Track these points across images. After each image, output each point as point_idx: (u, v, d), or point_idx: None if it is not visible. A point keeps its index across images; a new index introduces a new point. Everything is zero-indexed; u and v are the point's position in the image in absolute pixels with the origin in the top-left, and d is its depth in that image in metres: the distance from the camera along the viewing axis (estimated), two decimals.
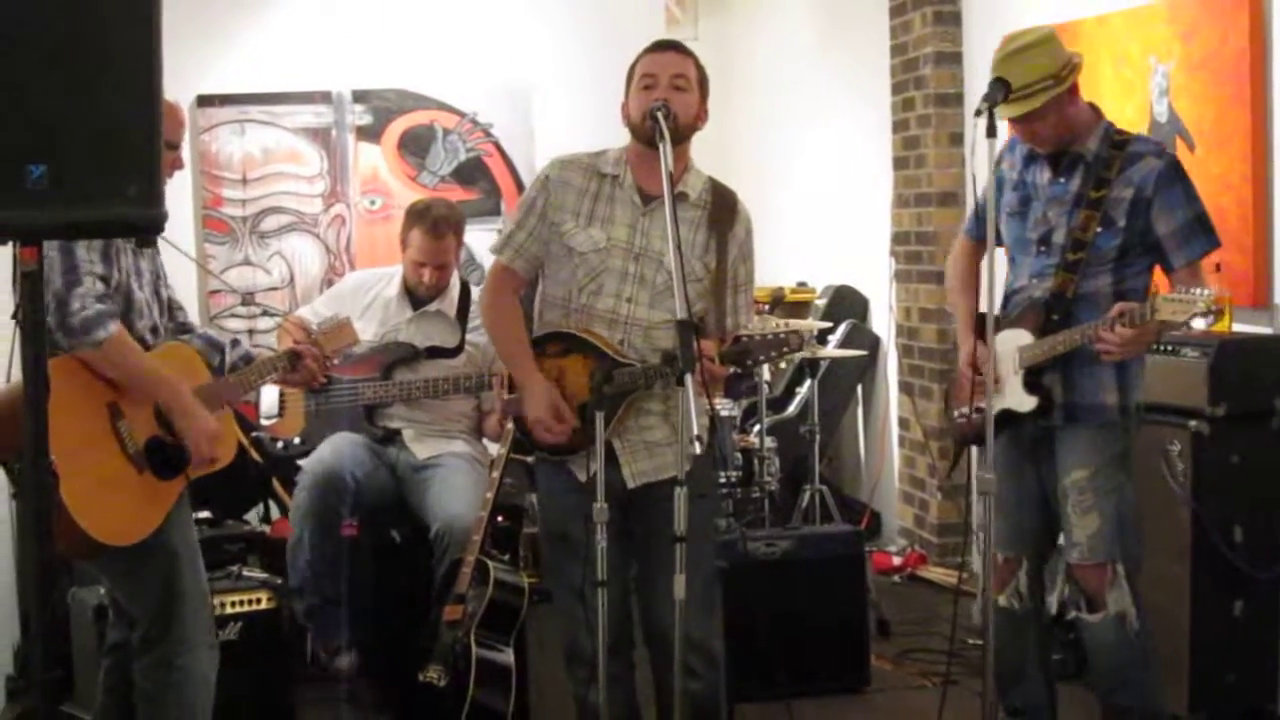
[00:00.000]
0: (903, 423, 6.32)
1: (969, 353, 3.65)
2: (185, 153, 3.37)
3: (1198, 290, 3.13)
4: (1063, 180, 3.52)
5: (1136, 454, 3.62)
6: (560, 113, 6.15)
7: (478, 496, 4.16)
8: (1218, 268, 4.08)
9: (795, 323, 4.33)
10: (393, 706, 4.21)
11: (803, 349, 3.38)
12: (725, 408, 5.20)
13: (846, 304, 6.67)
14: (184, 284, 3.64)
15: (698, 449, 2.82)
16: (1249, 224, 4.15)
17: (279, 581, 4.19)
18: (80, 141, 2.06)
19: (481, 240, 5.62)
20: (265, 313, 6.06)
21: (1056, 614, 3.70)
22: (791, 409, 6.33)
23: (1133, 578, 3.48)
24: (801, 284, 6.96)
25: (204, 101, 5.97)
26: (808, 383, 5.69)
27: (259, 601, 4.06)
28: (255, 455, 4.67)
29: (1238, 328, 4.09)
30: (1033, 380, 3.50)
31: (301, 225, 6.12)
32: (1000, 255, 3.59)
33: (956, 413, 3.79)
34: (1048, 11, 4.93)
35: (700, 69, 3.31)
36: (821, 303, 6.69)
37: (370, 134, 6.15)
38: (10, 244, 2.14)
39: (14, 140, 2.02)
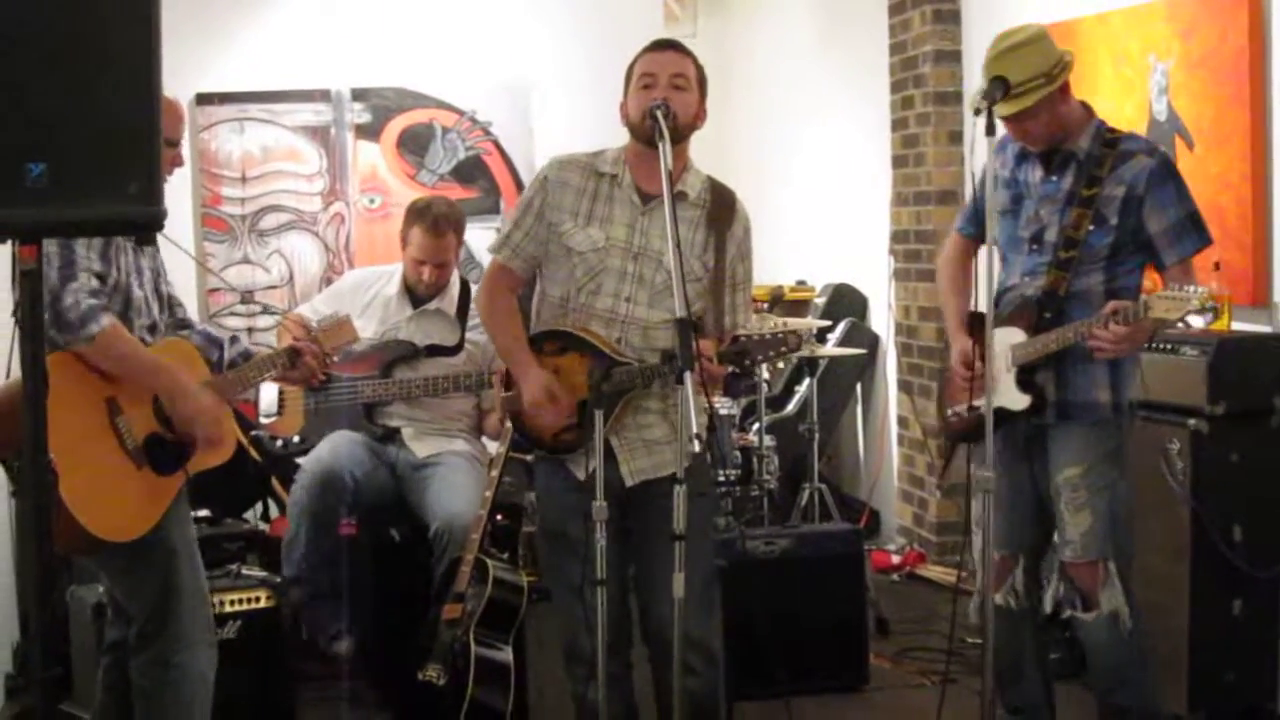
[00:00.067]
0: (902, 421, 6.32)
1: (961, 351, 3.66)
2: (185, 151, 3.37)
3: (1191, 288, 3.13)
4: (1055, 178, 3.53)
5: (1135, 453, 3.62)
6: (559, 111, 6.16)
7: (477, 495, 4.16)
8: (1217, 266, 4.08)
9: (794, 322, 4.33)
10: (392, 705, 4.21)
11: (801, 349, 3.38)
12: (724, 406, 5.20)
13: (846, 302, 6.67)
14: (183, 282, 3.64)
15: (697, 447, 2.82)
16: (1248, 222, 4.15)
17: (278, 580, 4.19)
18: (80, 140, 2.06)
19: (480, 239, 5.62)
20: (265, 311, 6.06)
21: (1051, 613, 3.70)
22: (790, 407, 6.33)
23: (1125, 575, 3.48)
24: (801, 282, 6.95)
25: (203, 100, 5.97)
26: (807, 381, 5.69)
27: (258, 600, 4.06)
28: (254, 454, 4.67)
29: (1237, 326, 4.09)
30: (1025, 378, 3.50)
31: (301, 223, 6.12)
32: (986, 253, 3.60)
33: (950, 411, 3.79)
34: (1048, 10, 4.93)
35: (699, 68, 3.31)
36: (820, 301, 6.69)
37: (369, 132, 6.15)
38: (10, 242, 2.14)
39: (14, 139, 2.02)
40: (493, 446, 4.30)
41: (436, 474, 4.40)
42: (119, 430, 3.10)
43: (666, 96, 3.18)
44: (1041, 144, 3.52)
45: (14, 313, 2.19)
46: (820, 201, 7.10)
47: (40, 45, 2.03)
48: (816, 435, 5.45)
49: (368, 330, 4.49)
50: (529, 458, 4.07)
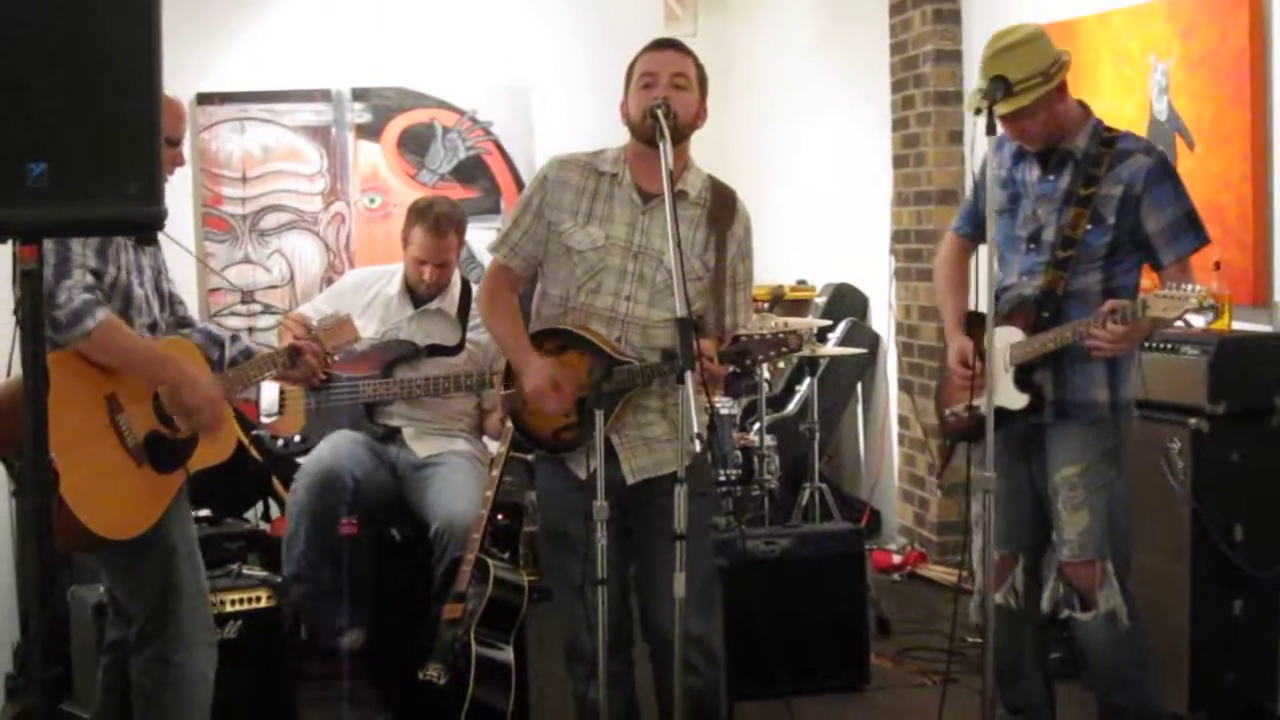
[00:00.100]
0: (902, 421, 6.32)
1: (959, 350, 3.66)
2: (185, 150, 3.36)
3: (1189, 287, 3.14)
4: (1052, 178, 3.53)
5: (1136, 452, 3.62)
6: (560, 111, 6.15)
7: (478, 495, 4.16)
8: (1217, 266, 4.08)
9: (794, 322, 4.33)
10: (393, 705, 4.21)
11: (801, 349, 3.39)
12: (725, 406, 5.21)
13: (846, 302, 6.67)
14: (184, 281, 3.64)
15: (697, 447, 2.82)
16: (1248, 222, 4.15)
17: (278, 580, 4.18)
18: (80, 139, 2.06)
19: (481, 239, 5.61)
20: (266, 310, 6.06)
21: (1049, 614, 3.69)
22: (791, 407, 6.33)
23: (1123, 575, 3.48)
24: (801, 282, 6.96)
25: (204, 99, 5.97)
26: (807, 381, 5.69)
27: (259, 600, 4.06)
28: (255, 453, 4.67)
29: (1238, 326, 4.09)
30: (1023, 377, 3.50)
31: (301, 223, 6.12)
32: (984, 252, 3.60)
33: (947, 411, 3.79)
34: (1048, 9, 4.93)
35: (700, 67, 3.31)
36: (821, 301, 6.70)
37: (370, 132, 6.15)
38: (10, 242, 2.14)
39: (14, 139, 2.02)
40: (494, 446, 4.30)
41: (437, 474, 4.40)
42: (119, 428, 3.10)
43: (667, 96, 3.18)
44: (1039, 143, 3.52)
45: (15, 311, 2.19)
46: (821, 201, 7.10)
47: (40, 45, 2.03)
48: (817, 435, 5.45)
49: (369, 330, 4.49)
50: (530, 457, 4.07)
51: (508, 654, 3.95)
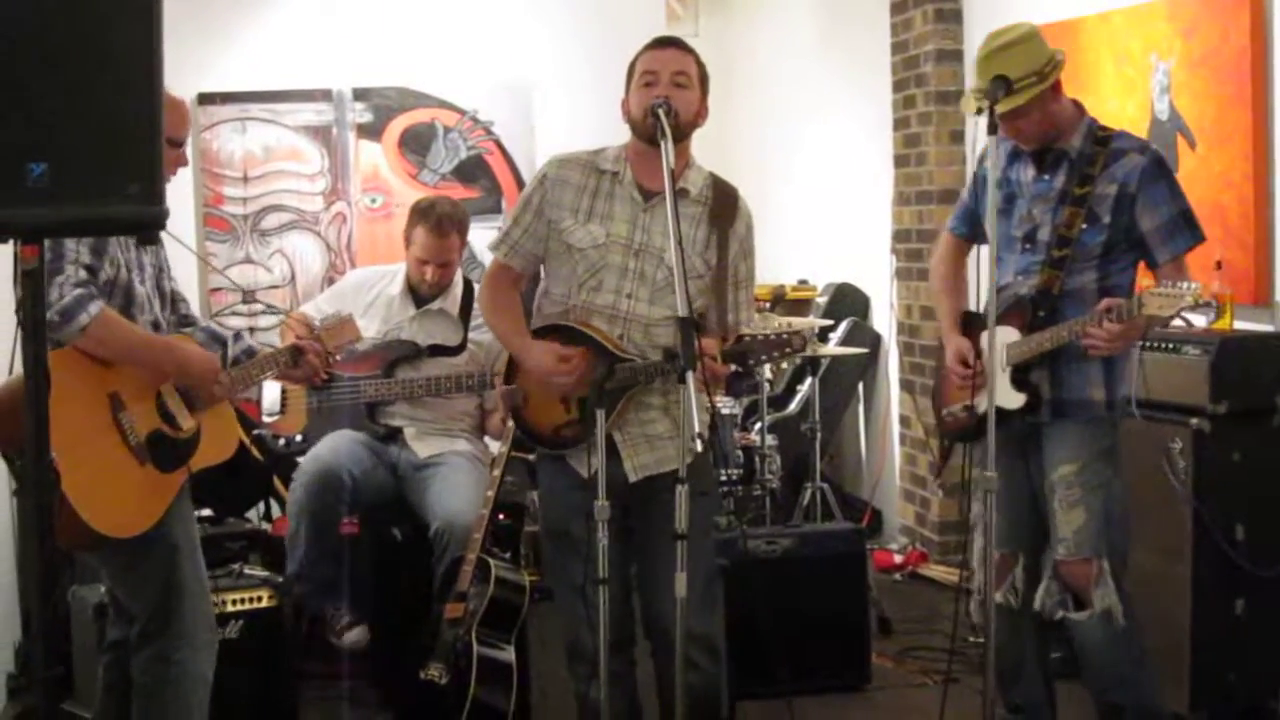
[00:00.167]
0: (904, 420, 6.32)
1: (957, 350, 3.66)
2: (186, 150, 3.36)
3: (1184, 285, 3.14)
4: (1047, 177, 3.53)
5: (1137, 452, 3.62)
6: (561, 110, 6.15)
7: (478, 495, 4.16)
8: (1219, 265, 4.08)
9: (797, 322, 4.33)
10: (394, 704, 4.21)
11: (805, 349, 3.39)
12: (726, 406, 5.20)
13: (847, 302, 6.67)
14: (185, 281, 3.63)
15: (699, 447, 2.82)
16: (1250, 221, 4.15)
17: (280, 579, 4.19)
18: (81, 139, 2.06)
19: (482, 238, 5.61)
20: (267, 310, 6.06)
21: (1040, 614, 3.68)
22: (792, 407, 6.33)
23: (1118, 574, 3.48)
24: (802, 281, 6.96)
25: (205, 99, 5.97)
26: (809, 380, 5.69)
27: (260, 599, 4.06)
28: (256, 453, 4.67)
29: (1239, 325, 4.09)
30: (1020, 377, 3.50)
31: (302, 223, 6.12)
32: (983, 252, 3.60)
33: (945, 411, 3.79)
34: (1049, 8, 4.93)
35: (701, 66, 3.31)
36: (822, 300, 6.70)
37: (371, 132, 6.15)
38: (11, 242, 2.14)
39: (15, 138, 2.02)
40: (495, 447, 4.30)
41: (437, 474, 4.40)
42: (122, 426, 3.10)
43: (668, 94, 3.18)
44: (1033, 142, 3.53)
45: (17, 311, 2.19)
46: (822, 201, 7.10)
47: (41, 45, 2.03)
48: (818, 434, 5.45)
49: (370, 330, 4.49)
50: (532, 457, 4.07)
51: (509, 654, 3.95)
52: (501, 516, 4.90)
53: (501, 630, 3.96)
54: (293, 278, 6.12)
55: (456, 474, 4.38)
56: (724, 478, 5.11)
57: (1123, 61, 4.72)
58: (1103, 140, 3.47)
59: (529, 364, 3.30)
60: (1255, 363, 3.90)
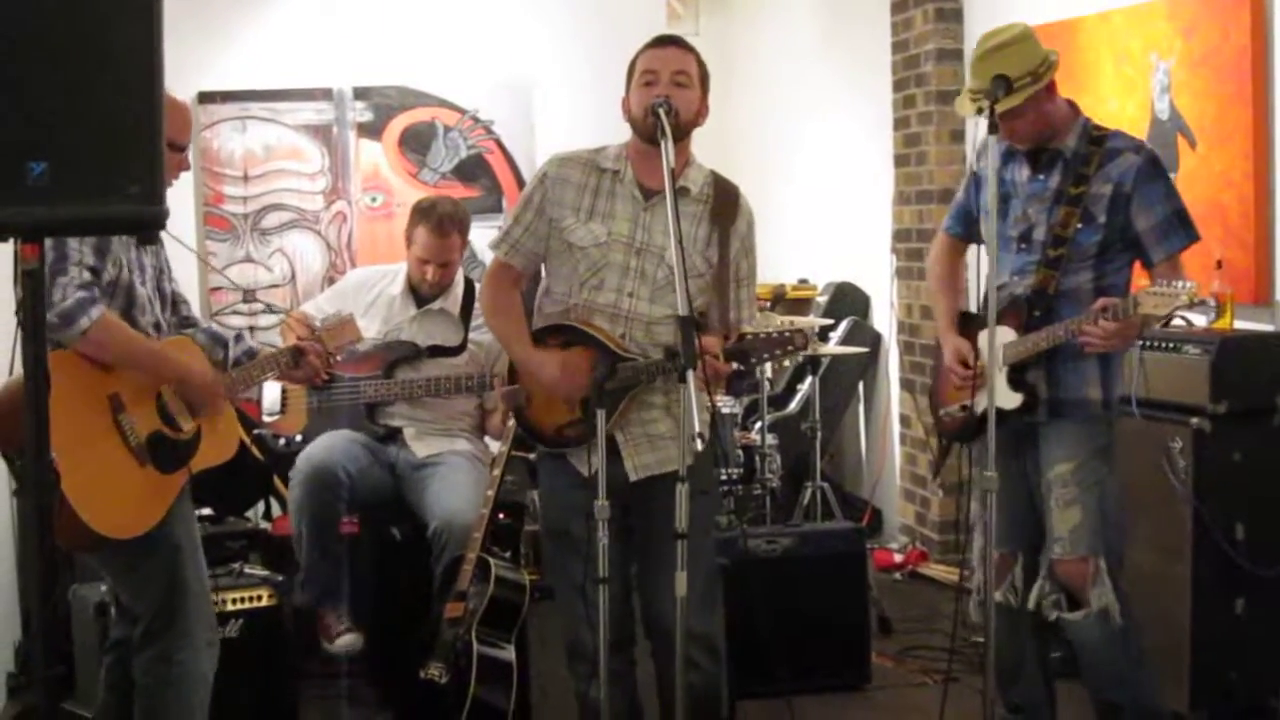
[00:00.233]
0: (904, 420, 6.32)
1: (955, 350, 3.67)
2: (188, 154, 3.36)
3: (1179, 284, 3.15)
4: (1042, 177, 3.53)
5: (1137, 451, 3.62)
6: (561, 109, 6.16)
7: (477, 494, 4.16)
8: (1219, 265, 4.08)
9: (799, 321, 4.33)
10: (394, 704, 4.21)
11: (806, 348, 3.39)
12: (726, 405, 5.20)
13: (848, 301, 6.67)
14: (185, 280, 3.63)
15: (699, 446, 2.82)
16: (1250, 221, 4.15)
17: (280, 579, 4.19)
18: (81, 139, 2.06)
19: (483, 238, 5.61)
20: (268, 310, 6.06)
21: (1034, 612, 3.68)
22: (793, 406, 6.33)
23: (1115, 573, 3.48)
24: (803, 281, 6.96)
25: (205, 98, 5.97)
26: (809, 380, 5.69)
27: (260, 599, 4.06)
28: (256, 452, 4.67)
29: (1239, 325, 4.08)
30: (1017, 377, 3.51)
31: (303, 222, 6.12)
32: (981, 252, 3.60)
33: (942, 411, 3.80)
34: (1049, 8, 4.93)
35: (701, 65, 3.31)
36: (823, 300, 6.70)
37: (371, 131, 6.15)
38: (12, 241, 2.14)
39: (15, 138, 2.02)
40: (495, 446, 4.30)
41: (436, 473, 4.40)
42: (122, 428, 3.10)
43: (668, 93, 3.17)
44: (1028, 142, 3.53)
45: (17, 311, 2.19)
46: (822, 200, 7.10)
47: (41, 44, 2.03)
48: (819, 434, 5.45)
49: (371, 330, 4.49)
50: (532, 456, 4.07)
51: (509, 653, 3.95)
52: (501, 516, 4.90)
53: (501, 629, 3.96)
54: (293, 277, 6.12)
55: (455, 473, 4.38)
56: (724, 477, 5.11)
57: (1123, 61, 4.72)
58: (1098, 140, 3.48)
59: (541, 380, 3.31)
60: (1255, 362, 3.90)
